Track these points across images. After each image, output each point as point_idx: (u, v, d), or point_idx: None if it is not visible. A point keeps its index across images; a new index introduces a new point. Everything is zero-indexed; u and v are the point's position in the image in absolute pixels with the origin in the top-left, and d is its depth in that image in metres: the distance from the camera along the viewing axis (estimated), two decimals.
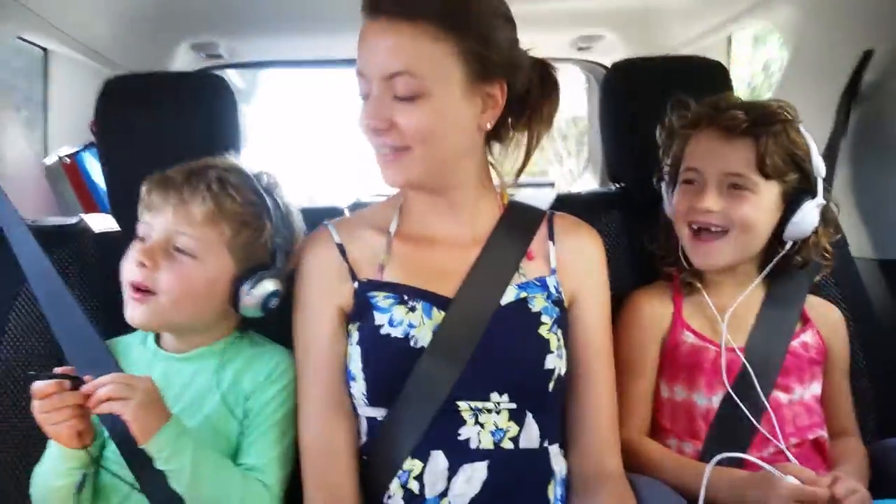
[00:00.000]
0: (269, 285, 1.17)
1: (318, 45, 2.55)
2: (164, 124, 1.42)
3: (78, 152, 2.02)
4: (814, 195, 1.28)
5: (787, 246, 1.31)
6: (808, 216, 1.28)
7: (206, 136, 1.43)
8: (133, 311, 1.13)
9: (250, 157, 1.34)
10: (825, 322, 1.37)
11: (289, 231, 1.21)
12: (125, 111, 1.45)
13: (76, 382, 1.02)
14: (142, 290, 1.12)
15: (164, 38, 2.26)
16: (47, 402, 1.00)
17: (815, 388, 1.32)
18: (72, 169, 1.98)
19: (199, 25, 2.25)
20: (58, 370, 1.03)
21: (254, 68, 2.97)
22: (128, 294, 1.13)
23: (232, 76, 3.01)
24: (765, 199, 1.26)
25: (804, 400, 1.30)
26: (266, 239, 1.18)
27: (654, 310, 1.35)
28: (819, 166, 1.28)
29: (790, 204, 1.28)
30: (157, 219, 1.14)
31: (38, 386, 1.00)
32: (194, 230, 1.13)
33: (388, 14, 1.04)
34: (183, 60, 2.42)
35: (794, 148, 1.27)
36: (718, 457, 1.14)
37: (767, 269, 1.33)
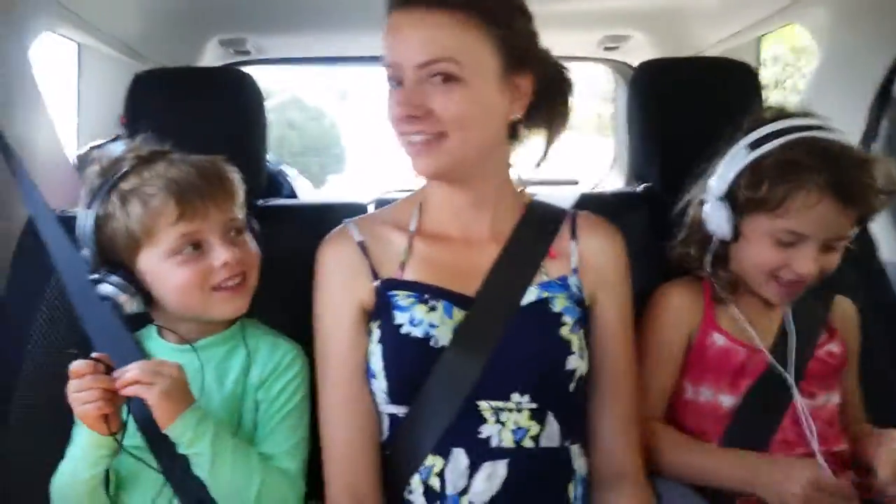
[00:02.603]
0: None
1: (344, 42, 2.56)
2: (191, 118, 1.43)
3: (107, 144, 2.04)
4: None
5: None
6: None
7: (233, 130, 1.45)
8: (233, 303, 1.18)
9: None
10: (843, 321, 1.36)
11: None
12: (154, 105, 1.47)
13: (108, 369, 1.06)
14: (236, 282, 1.18)
15: (193, 34, 2.28)
16: (80, 381, 1.03)
17: (836, 398, 1.31)
18: None
19: (228, 21, 2.27)
20: (95, 355, 1.06)
21: (280, 64, 2.98)
22: (219, 294, 1.17)
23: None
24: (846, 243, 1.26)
25: (828, 407, 1.29)
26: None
27: (686, 305, 1.33)
28: None
29: None
30: (208, 220, 1.16)
31: (75, 365, 1.04)
32: (237, 211, 1.21)
33: (424, 4, 1.05)
34: (212, 56, 2.44)
35: None
36: None
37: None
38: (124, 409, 1.07)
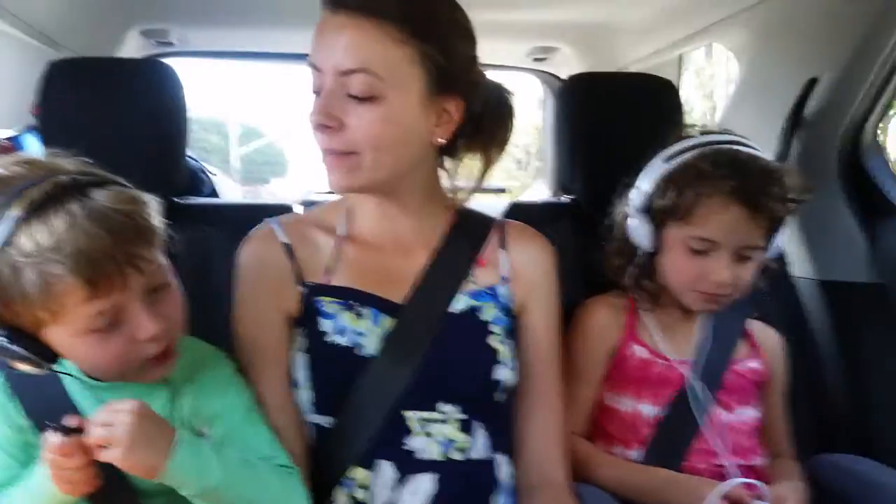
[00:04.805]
0: None
1: (271, 38, 2.51)
2: (108, 111, 1.38)
3: (18, 136, 1.95)
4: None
5: None
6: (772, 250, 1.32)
7: (152, 124, 1.40)
8: (161, 370, 0.99)
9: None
10: (767, 347, 1.40)
11: None
12: (69, 96, 1.41)
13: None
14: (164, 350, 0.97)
15: (113, 22, 2.19)
16: (69, 460, 0.87)
17: (755, 413, 1.35)
18: (11, 153, 1.91)
19: (151, 11, 2.19)
20: (70, 422, 0.88)
21: (204, 58, 2.91)
22: (150, 364, 0.97)
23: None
24: (762, 257, 1.30)
25: (745, 421, 1.33)
26: None
27: (607, 321, 1.36)
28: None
29: None
30: (127, 289, 0.91)
31: (61, 443, 0.86)
32: (159, 257, 0.97)
33: (352, 9, 1.00)
34: (132, 46, 2.36)
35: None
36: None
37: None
38: None
